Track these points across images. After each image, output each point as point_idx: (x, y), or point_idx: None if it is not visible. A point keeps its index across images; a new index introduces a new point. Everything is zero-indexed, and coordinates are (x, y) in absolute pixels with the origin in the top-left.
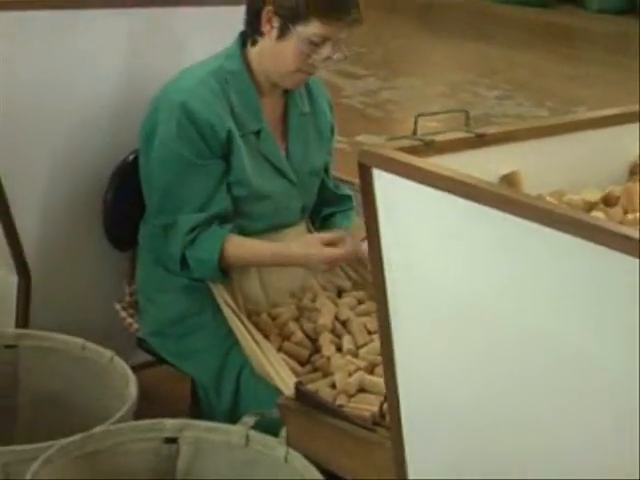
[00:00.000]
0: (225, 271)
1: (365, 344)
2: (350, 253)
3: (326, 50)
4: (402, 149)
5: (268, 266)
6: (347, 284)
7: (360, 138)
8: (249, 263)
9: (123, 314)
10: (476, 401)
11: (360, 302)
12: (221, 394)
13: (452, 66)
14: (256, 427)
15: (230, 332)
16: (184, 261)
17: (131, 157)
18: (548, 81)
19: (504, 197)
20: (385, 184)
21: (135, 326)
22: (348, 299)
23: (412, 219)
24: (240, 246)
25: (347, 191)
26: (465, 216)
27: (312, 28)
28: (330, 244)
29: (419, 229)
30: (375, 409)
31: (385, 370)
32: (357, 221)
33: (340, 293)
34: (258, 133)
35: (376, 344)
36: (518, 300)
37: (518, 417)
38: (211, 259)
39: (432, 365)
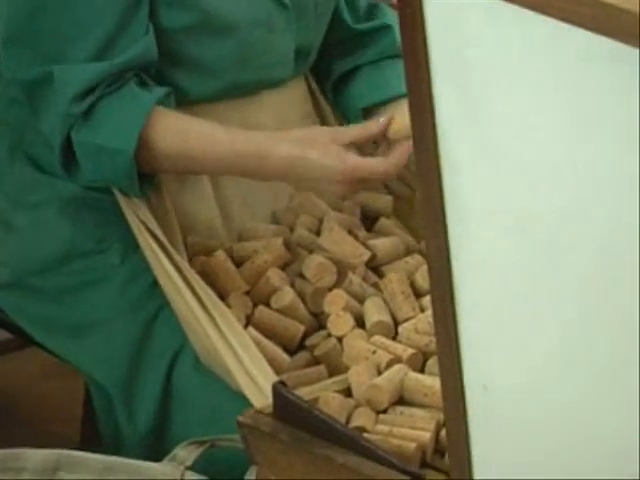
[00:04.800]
0: (146, 177)
1: (412, 317)
2: (397, 165)
3: None
4: None
5: (228, 173)
6: (384, 201)
7: None
8: (192, 165)
9: None
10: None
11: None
12: (135, 403)
13: None
14: (200, 465)
15: (155, 287)
16: (67, 150)
17: None
18: None
19: None
20: (443, 4)
21: None
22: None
23: (492, 61)
24: (179, 128)
25: (387, 17)
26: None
27: None
28: (359, 144)
29: (503, 77)
30: (427, 438)
31: (440, 354)
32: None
33: (372, 220)
34: None
35: (431, 315)
36: None
37: None
38: (123, 147)
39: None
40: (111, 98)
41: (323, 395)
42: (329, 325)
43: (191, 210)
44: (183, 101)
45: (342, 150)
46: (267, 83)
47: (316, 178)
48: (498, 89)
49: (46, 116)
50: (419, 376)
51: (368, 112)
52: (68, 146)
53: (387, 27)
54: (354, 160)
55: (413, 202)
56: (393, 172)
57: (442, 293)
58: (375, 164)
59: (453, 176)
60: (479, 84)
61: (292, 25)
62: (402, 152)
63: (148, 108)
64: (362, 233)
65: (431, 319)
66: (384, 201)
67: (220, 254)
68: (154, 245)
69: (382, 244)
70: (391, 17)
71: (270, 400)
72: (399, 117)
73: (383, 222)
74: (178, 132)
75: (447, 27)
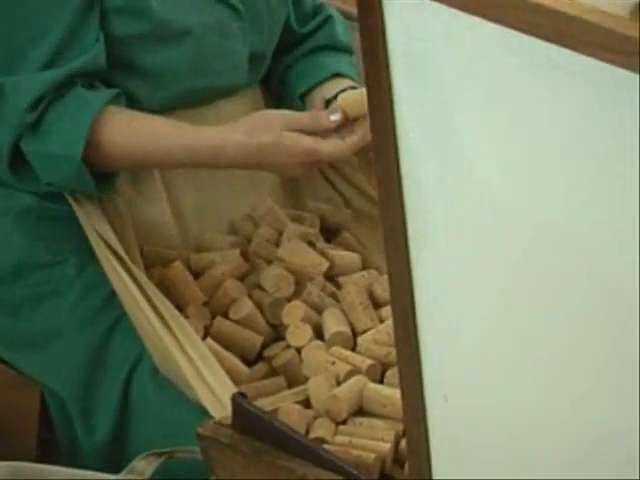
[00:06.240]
0: (99, 176)
1: (370, 328)
2: (353, 148)
3: None
4: None
5: (183, 167)
6: (343, 215)
7: None
8: (147, 160)
9: None
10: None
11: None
12: (93, 415)
13: None
14: (160, 477)
15: (112, 298)
16: (18, 158)
17: None
18: None
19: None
20: (404, 13)
21: None
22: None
23: (453, 74)
24: (130, 127)
25: (327, 11)
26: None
27: None
28: (308, 131)
29: (463, 90)
30: (386, 448)
31: (401, 365)
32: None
33: (331, 233)
34: None
35: (390, 326)
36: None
37: None
38: (71, 153)
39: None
40: (59, 104)
41: (283, 406)
42: (288, 336)
43: (146, 219)
44: (137, 111)
45: (295, 134)
46: (221, 91)
47: (271, 163)
48: (461, 102)
49: None
50: (378, 387)
51: (306, 96)
52: (18, 155)
53: (325, 21)
54: (309, 145)
55: (373, 216)
56: (349, 154)
57: (402, 303)
58: (332, 148)
59: (414, 190)
60: (442, 97)
61: (246, 31)
62: (360, 135)
63: (96, 110)
64: (320, 244)
65: (390, 330)
66: (343, 215)
67: (178, 265)
68: (110, 256)
69: (340, 254)
70: (332, 11)
71: (229, 411)
72: (347, 99)
73: (343, 235)
74: (128, 131)
75: (409, 39)
